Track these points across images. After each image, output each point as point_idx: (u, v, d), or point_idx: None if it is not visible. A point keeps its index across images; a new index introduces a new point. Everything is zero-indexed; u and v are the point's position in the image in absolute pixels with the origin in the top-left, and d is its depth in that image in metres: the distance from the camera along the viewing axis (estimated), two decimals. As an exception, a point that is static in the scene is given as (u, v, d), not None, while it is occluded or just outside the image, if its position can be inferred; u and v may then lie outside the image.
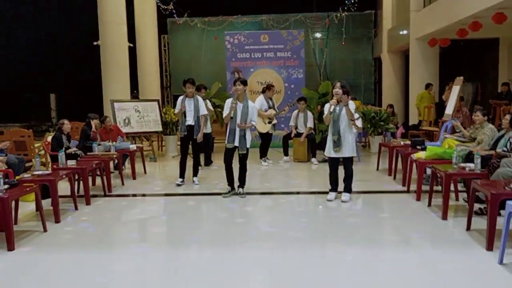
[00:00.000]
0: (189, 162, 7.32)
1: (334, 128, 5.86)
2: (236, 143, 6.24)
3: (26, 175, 5.51)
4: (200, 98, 7.30)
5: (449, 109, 9.69)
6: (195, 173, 7.37)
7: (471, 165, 5.20)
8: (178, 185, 7.15)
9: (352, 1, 13.25)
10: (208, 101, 8.71)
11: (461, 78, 9.82)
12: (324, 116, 6.03)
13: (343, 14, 15.37)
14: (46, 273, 3.89)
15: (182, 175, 7.25)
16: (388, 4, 16.27)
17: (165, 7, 14.63)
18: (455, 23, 10.15)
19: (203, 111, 7.17)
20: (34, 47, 22.99)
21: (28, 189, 4.83)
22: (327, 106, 5.96)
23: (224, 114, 6.35)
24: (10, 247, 4.32)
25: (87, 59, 16.70)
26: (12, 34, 22.99)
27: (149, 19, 15.98)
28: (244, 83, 6.31)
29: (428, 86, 12.37)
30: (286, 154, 9.55)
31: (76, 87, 21.49)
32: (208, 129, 8.49)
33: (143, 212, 6.05)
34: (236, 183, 6.47)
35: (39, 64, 22.78)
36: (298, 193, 6.74)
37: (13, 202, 4.91)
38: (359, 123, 6.07)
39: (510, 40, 12.95)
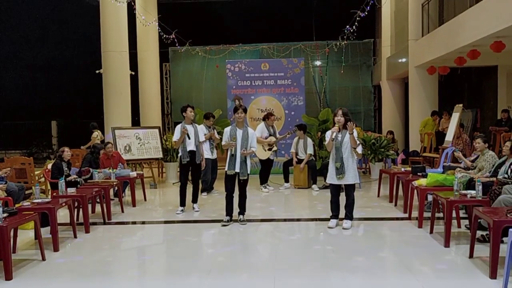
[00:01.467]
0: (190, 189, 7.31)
1: (337, 155, 5.87)
2: (237, 169, 6.25)
3: (25, 203, 5.48)
4: (197, 125, 7.45)
5: (449, 136, 9.72)
6: (194, 200, 7.35)
7: (473, 192, 5.18)
8: (178, 214, 7.11)
9: (351, 30, 13.42)
10: (215, 130, 8.80)
11: (461, 105, 9.87)
12: (325, 143, 6.06)
13: (343, 43, 15.56)
14: (44, 303, 3.84)
15: (182, 203, 7.22)
16: (386, 32, 16.49)
17: (167, 36, 14.83)
18: (453, 52, 10.25)
19: (201, 137, 7.30)
20: (37, 74, 23.25)
21: (27, 217, 4.80)
22: (328, 133, 5.99)
23: (223, 142, 6.39)
24: (8, 277, 4.27)
25: (89, 87, 16.88)
26: (14, 62, 23.27)
27: (151, 48, 16.19)
28: (245, 110, 6.43)
29: (433, 114, 12.38)
30: (286, 180, 9.53)
31: (77, 114, 21.61)
32: (207, 155, 8.50)
33: (143, 240, 6.00)
34: (236, 210, 6.45)
35: (41, 91, 23.00)
36: (298, 220, 6.70)
37: (12, 230, 4.88)
38: (359, 149, 6.07)
39: (508, 68, 13.07)
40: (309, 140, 9.53)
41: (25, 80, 23.26)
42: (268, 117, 9.32)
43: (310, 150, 9.37)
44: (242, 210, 6.43)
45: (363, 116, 16.91)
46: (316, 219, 6.59)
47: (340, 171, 5.83)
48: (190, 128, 7.13)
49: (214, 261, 4.95)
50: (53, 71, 23.10)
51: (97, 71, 12.15)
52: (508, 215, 4.12)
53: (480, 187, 5.10)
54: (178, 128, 7.13)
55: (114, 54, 11.60)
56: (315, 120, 11.04)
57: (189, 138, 7.01)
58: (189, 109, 7.19)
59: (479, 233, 5.00)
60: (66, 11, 22.36)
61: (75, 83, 22.26)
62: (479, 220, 4.78)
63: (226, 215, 6.38)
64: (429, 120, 12.43)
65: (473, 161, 6.91)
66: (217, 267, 4.66)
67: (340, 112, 5.88)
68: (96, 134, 12.00)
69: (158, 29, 15.03)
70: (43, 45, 23.44)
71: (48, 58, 23.22)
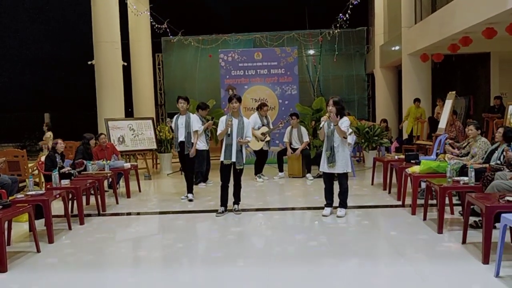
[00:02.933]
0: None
1: (327, 144, 5.92)
2: (234, 159, 6.26)
3: (19, 195, 5.46)
4: (192, 115, 7.41)
5: (442, 123, 9.76)
6: (189, 190, 7.36)
7: (465, 178, 5.22)
8: (191, 200, 7.22)
9: (344, 19, 13.38)
10: (214, 120, 8.82)
11: (454, 92, 9.91)
12: (318, 131, 6.08)
13: (336, 31, 15.53)
14: (39, 294, 3.84)
15: (190, 190, 7.33)
16: (380, 20, 16.46)
17: (159, 26, 14.73)
18: (446, 39, 10.26)
19: (195, 127, 7.27)
20: (29, 66, 23.07)
21: (21, 209, 4.79)
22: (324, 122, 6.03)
23: (219, 131, 6.38)
24: (3, 269, 4.26)
25: (81, 78, 16.77)
26: (6, 53, 23.06)
27: (143, 38, 16.09)
28: (239, 100, 6.38)
29: (415, 100, 12.51)
30: (281, 170, 9.55)
31: (70, 106, 21.50)
32: (203, 146, 8.50)
33: (138, 231, 6.00)
34: (231, 200, 6.46)
35: (33, 83, 22.83)
36: (293, 208, 6.73)
37: (6, 223, 4.87)
38: (350, 139, 6.09)
39: (501, 54, 13.10)
40: (303, 129, 9.53)
41: (17, 72, 23.08)
42: (261, 107, 9.31)
43: (306, 139, 9.37)
44: (237, 200, 6.45)
45: (356, 104, 16.95)
46: (310, 208, 6.62)
47: (331, 159, 5.87)
48: (182, 119, 7.20)
49: (208, 250, 4.97)
50: (45, 63, 22.92)
51: (89, 62, 12.08)
52: (501, 201, 4.16)
53: (473, 173, 5.14)
54: (174, 118, 7.18)
55: (106, 44, 11.52)
56: (309, 109, 11.05)
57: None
58: (179, 100, 7.19)
59: (471, 219, 5.05)
60: (57, 2, 22.15)
61: (68, 74, 22.10)
62: (472, 207, 4.82)
63: (221, 206, 6.39)
64: (412, 107, 12.56)
65: (463, 148, 6.96)
66: (212, 257, 4.68)
67: (331, 101, 5.90)
68: (50, 134, 12.01)
69: (150, 19, 14.94)
70: (35, 37, 23.23)
71: (39, 50, 23.03)
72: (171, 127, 7.31)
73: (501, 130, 5.91)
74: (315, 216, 6.14)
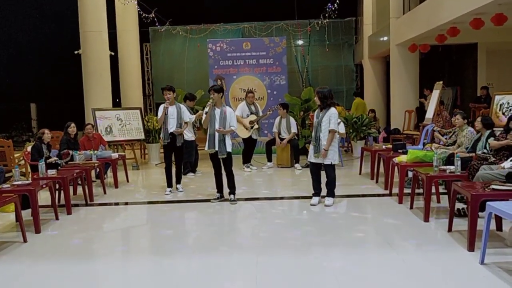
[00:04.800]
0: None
1: (315, 134, 5.96)
2: (216, 148, 6.29)
3: (5, 186, 5.41)
4: (182, 106, 7.34)
5: (429, 113, 9.83)
6: (178, 181, 7.34)
7: (452, 167, 5.27)
8: (167, 194, 7.10)
9: (333, 8, 13.35)
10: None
11: (441, 82, 9.97)
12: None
13: (325, 21, 15.50)
14: (27, 285, 3.82)
15: (169, 184, 7.21)
16: (368, 11, 16.45)
17: (147, 15, 14.57)
18: (434, 29, 10.30)
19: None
20: (15, 56, 22.74)
21: (7, 199, 4.75)
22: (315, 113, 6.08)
23: (203, 119, 6.46)
24: (-11, 259, 4.24)
25: (68, 68, 16.58)
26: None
27: (130, 28, 15.89)
28: (218, 90, 6.38)
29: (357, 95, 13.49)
30: (269, 160, 9.56)
31: (57, 96, 21.27)
32: (191, 136, 8.48)
33: (126, 221, 5.99)
34: (226, 190, 6.50)
35: (19, 73, 22.53)
36: (282, 198, 6.75)
37: (-8, 213, 4.83)
38: (341, 128, 6.13)
39: (488, 45, 13.19)
40: (292, 120, 9.54)
41: (3, 62, 22.73)
42: (247, 95, 9.28)
43: (294, 129, 9.39)
44: (232, 190, 6.47)
45: (345, 95, 16.96)
46: (299, 197, 6.65)
47: (317, 149, 5.92)
48: (172, 109, 7.05)
49: (197, 240, 4.97)
50: (31, 52, 22.61)
51: (75, 52, 11.93)
52: (486, 189, 4.21)
53: (459, 162, 5.19)
54: (161, 107, 7.05)
55: (93, 34, 11.38)
56: (298, 99, 11.05)
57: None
58: (164, 92, 7.03)
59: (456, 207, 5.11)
60: (43, -10, 21.82)
61: (54, 64, 21.80)
62: (461, 195, 4.88)
63: (217, 192, 6.54)
64: (360, 102, 12.94)
65: (449, 138, 7.04)
66: (200, 246, 4.69)
67: (315, 93, 6.06)
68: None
69: (138, 8, 14.76)
70: (21, 27, 22.87)
71: (25, 40, 22.70)
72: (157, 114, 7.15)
73: (479, 119, 6.12)
74: (303, 205, 6.18)
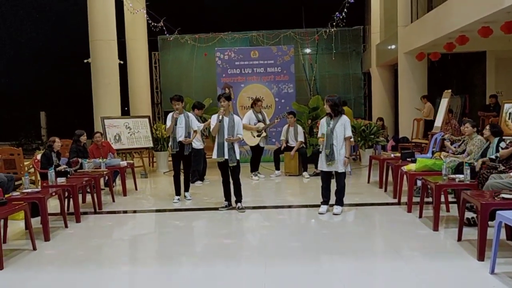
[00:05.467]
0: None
1: (327, 142, 5.92)
2: (226, 156, 6.30)
3: (15, 193, 5.45)
4: (191, 114, 7.36)
5: (438, 122, 9.79)
6: (186, 189, 7.35)
7: (461, 176, 5.24)
8: (175, 203, 7.11)
9: (340, 17, 13.38)
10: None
11: (449, 91, 9.94)
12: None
13: (332, 30, 15.54)
14: (35, 292, 3.84)
15: (178, 192, 7.23)
16: (376, 19, 16.47)
17: (156, 24, 14.70)
18: (442, 37, 10.28)
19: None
20: (25, 64, 22.98)
21: (17, 207, 4.78)
22: (322, 121, 6.06)
23: (212, 128, 6.46)
24: (-1, 266, 4.26)
25: (77, 76, 16.71)
26: (1, 52, 22.97)
27: (139, 36, 16.03)
28: (228, 98, 6.44)
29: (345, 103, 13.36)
30: (277, 168, 9.56)
31: (66, 104, 21.42)
32: (200, 145, 8.53)
33: (134, 229, 6.00)
34: (234, 198, 6.50)
35: (29, 81, 22.74)
36: (290, 206, 6.74)
37: (2, 221, 4.86)
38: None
39: (496, 53, 13.14)
40: (300, 128, 9.55)
41: (13, 71, 22.98)
42: (255, 103, 9.30)
43: (301, 138, 9.40)
44: (239, 198, 6.47)
45: (353, 103, 16.95)
46: (307, 206, 6.63)
47: (330, 157, 5.88)
48: (181, 118, 7.07)
49: (205, 249, 4.97)
50: (41, 61, 22.84)
51: (85, 61, 12.03)
52: (496, 198, 4.18)
53: (468, 171, 5.16)
54: (169, 116, 7.09)
55: (102, 43, 11.48)
56: (305, 107, 11.07)
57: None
58: (172, 102, 7.06)
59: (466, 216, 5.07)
60: (53, -1, 22.08)
61: (64, 73, 22.00)
62: (470, 204, 4.85)
63: (225, 200, 6.54)
64: (348, 110, 13.06)
65: (459, 146, 7.01)
66: (208, 255, 4.68)
67: (325, 100, 6.05)
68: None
69: (146, 17, 14.89)
70: (31, 35, 23.13)
71: (35, 48, 22.94)
72: (166, 123, 7.20)
73: (487, 127, 6.13)
74: (311, 213, 6.16)
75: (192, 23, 18.20)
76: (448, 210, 5.97)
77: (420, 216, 5.65)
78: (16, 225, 5.87)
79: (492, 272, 3.77)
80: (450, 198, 6.30)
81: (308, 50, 17.23)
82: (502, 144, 5.79)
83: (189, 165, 7.33)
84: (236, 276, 4.04)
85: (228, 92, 11.22)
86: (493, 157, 5.73)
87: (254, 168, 9.27)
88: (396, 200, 6.65)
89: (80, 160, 7.57)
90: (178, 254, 4.69)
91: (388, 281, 3.80)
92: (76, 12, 15.57)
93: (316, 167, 6.39)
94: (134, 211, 6.84)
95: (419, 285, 3.67)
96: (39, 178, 7.99)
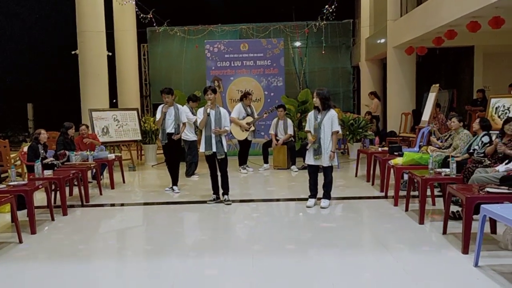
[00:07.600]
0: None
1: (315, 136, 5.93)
2: (214, 149, 6.32)
3: (1, 186, 5.40)
4: (180, 106, 7.36)
5: (425, 116, 9.86)
6: (175, 182, 7.34)
7: (447, 170, 5.29)
8: (177, 192, 7.19)
9: (330, 10, 13.38)
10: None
11: (437, 85, 10.00)
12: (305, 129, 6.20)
13: (322, 23, 15.54)
14: (22, 286, 3.81)
15: (175, 181, 7.30)
16: (365, 13, 16.50)
17: (144, 15, 14.58)
18: (431, 32, 10.33)
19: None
20: (12, 56, 22.69)
21: (3, 200, 4.74)
22: (310, 115, 6.07)
23: (198, 121, 6.46)
24: (-16, 259, 4.23)
25: (65, 68, 16.56)
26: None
27: (128, 28, 15.91)
28: (214, 91, 6.46)
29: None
30: (266, 161, 9.57)
31: (54, 96, 21.22)
32: (193, 137, 8.54)
33: (122, 222, 5.99)
34: (221, 191, 6.51)
35: (16, 73, 22.48)
36: (278, 200, 6.76)
37: (-13, 213, 4.82)
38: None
39: (484, 48, 13.24)
40: (289, 121, 9.57)
41: (-1, 62, 22.71)
42: (245, 96, 9.28)
43: (290, 131, 9.41)
44: (226, 190, 6.49)
45: (342, 97, 17.01)
46: (295, 199, 6.66)
47: (317, 151, 5.90)
48: (170, 110, 7.09)
49: (193, 241, 4.98)
50: (28, 52, 22.57)
51: (73, 52, 11.92)
52: (480, 192, 4.23)
53: (454, 165, 5.21)
54: (159, 109, 7.10)
55: (90, 34, 11.39)
56: (295, 101, 11.07)
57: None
58: (163, 95, 7.08)
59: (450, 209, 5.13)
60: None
61: (51, 64, 21.78)
62: (455, 198, 4.90)
63: (213, 194, 6.55)
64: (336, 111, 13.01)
65: (445, 141, 7.08)
66: (196, 248, 4.69)
67: (315, 93, 6.00)
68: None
69: (135, 9, 14.76)
70: (18, 26, 22.83)
71: (22, 40, 22.65)
72: (155, 116, 7.21)
73: (477, 120, 6.23)
74: (299, 207, 6.19)
75: (182, 15, 18.06)
76: (434, 204, 6.03)
77: (407, 210, 5.70)
78: (2, 218, 5.83)
79: (476, 265, 3.82)
80: (436, 191, 6.37)
81: (298, 44, 17.23)
82: (485, 139, 5.88)
83: (177, 158, 7.34)
84: (223, 269, 4.05)
85: (217, 84, 11.23)
86: (476, 147, 5.85)
87: (243, 162, 9.27)
88: (383, 194, 6.71)
89: (67, 152, 7.52)
90: (166, 247, 4.68)
91: (374, 273, 3.84)
92: (63, 3, 15.39)
93: (305, 161, 6.41)
94: (122, 204, 6.81)
95: (404, 277, 3.71)
96: (25, 170, 7.92)
